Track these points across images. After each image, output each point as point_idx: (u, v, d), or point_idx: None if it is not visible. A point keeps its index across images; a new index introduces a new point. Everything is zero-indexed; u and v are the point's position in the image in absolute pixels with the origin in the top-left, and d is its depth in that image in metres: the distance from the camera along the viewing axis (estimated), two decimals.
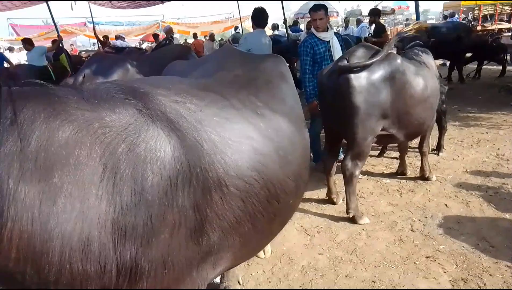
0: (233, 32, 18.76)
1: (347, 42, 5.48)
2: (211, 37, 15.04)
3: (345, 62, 3.20)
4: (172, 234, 1.09)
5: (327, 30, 4.38)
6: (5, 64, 9.65)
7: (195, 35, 16.93)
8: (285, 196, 1.59)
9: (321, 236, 3.27)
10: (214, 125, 1.34)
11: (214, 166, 1.25)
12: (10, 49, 16.53)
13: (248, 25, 16.11)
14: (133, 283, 1.02)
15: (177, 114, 1.26)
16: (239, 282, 2.69)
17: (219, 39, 19.30)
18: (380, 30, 7.80)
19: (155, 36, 13.92)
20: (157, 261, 1.06)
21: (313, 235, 3.30)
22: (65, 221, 0.90)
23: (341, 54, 4.30)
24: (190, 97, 1.39)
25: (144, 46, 16.87)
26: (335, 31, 5.26)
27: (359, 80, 3.11)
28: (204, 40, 16.24)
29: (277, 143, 1.58)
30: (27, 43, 8.34)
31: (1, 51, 12.95)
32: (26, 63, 8.32)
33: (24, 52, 9.36)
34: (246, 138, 1.44)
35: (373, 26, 8.12)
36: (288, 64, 8.48)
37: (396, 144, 4.60)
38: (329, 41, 4.35)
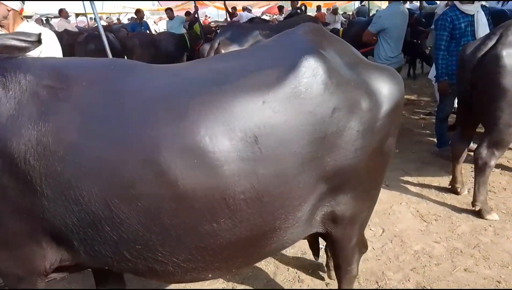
0: (357, 4, 17.85)
1: (503, 16, 4.67)
2: (334, 11, 14.58)
3: (496, 39, 2.85)
4: (1, 201, 1.24)
5: (473, 2, 3.86)
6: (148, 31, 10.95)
7: (318, 8, 16.60)
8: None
9: (439, 225, 3.08)
10: (73, 117, 1.23)
11: (39, 161, 1.19)
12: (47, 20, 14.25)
13: None
14: None
15: (36, 98, 1.23)
16: None
17: (342, 12, 18.57)
18: None
19: (280, 8, 14.10)
20: None
21: (430, 222, 3.13)
22: None
23: (487, 30, 3.81)
24: (76, 82, 1.29)
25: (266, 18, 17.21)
26: (483, 3, 4.57)
27: (511, 58, 2.75)
28: (326, 12, 15.85)
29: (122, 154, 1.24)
30: (170, 13, 9.29)
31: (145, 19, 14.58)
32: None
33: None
34: (98, 137, 1.24)
35: None
36: (415, 40, 7.76)
37: None
38: (473, 14, 3.86)
